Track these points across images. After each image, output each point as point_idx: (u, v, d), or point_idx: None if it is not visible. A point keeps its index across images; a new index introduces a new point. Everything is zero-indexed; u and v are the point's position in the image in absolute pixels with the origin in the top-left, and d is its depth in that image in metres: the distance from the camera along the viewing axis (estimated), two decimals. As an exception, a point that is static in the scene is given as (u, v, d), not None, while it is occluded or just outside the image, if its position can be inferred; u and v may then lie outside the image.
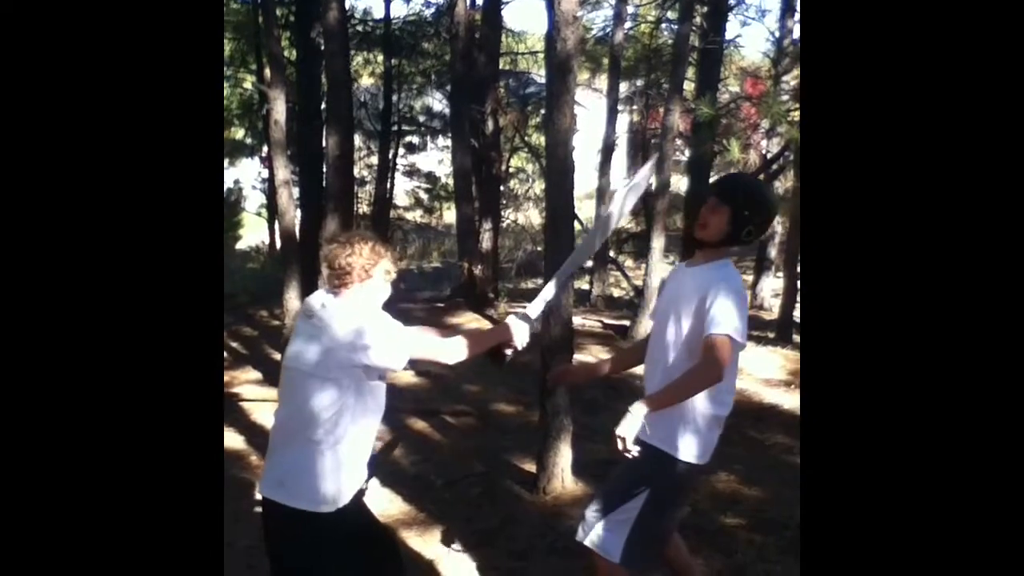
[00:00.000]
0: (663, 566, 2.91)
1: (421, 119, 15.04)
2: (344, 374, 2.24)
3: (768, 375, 6.79)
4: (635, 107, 15.31)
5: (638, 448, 2.41)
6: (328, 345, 2.24)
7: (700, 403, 2.53)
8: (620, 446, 2.42)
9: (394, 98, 14.10)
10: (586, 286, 12.18)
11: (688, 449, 2.54)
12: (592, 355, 7.44)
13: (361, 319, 2.26)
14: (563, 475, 4.28)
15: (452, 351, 2.44)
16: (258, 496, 2.34)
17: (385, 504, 4.17)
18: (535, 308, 2.69)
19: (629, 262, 13.72)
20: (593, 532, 2.61)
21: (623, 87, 14.20)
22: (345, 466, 2.28)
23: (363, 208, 14.65)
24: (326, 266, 2.36)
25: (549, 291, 2.79)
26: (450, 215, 14.97)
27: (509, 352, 2.59)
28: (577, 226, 11.83)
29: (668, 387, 2.50)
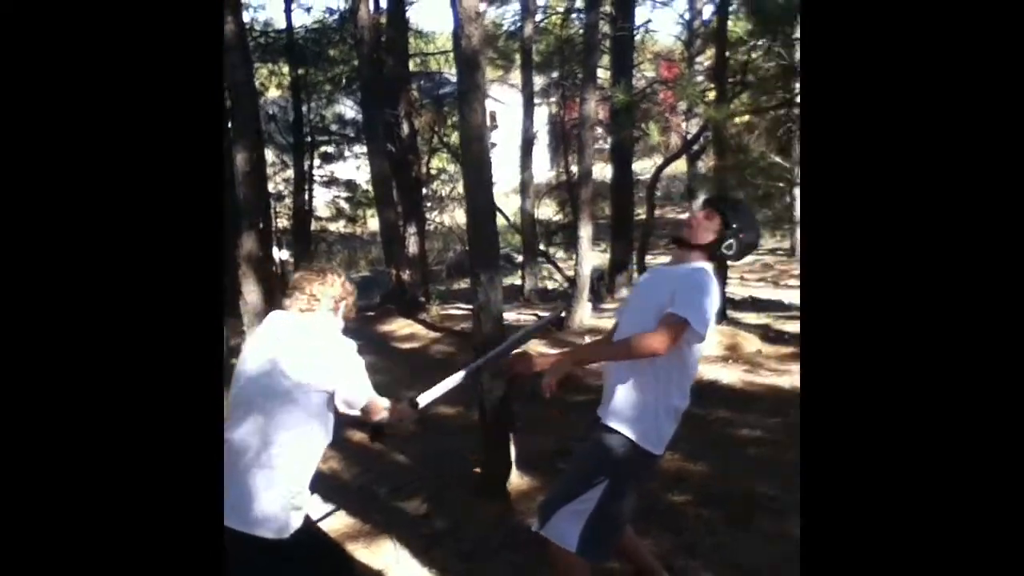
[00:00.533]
0: (617, 556, 2.88)
1: (334, 128, 14.77)
2: (312, 399, 2.26)
3: (705, 352, 6.82)
4: (553, 99, 15.36)
5: (551, 383, 2.51)
6: (301, 369, 2.25)
7: (666, 393, 2.56)
8: (545, 380, 2.53)
9: (304, 108, 13.83)
10: (518, 281, 12.16)
11: (648, 437, 2.55)
12: (530, 349, 7.38)
13: (339, 350, 2.33)
14: (509, 471, 4.22)
15: (382, 411, 2.52)
16: None
17: (330, 519, 4.04)
18: (426, 397, 2.74)
19: (560, 254, 13.75)
20: (551, 522, 2.58)
21: (539, 80, 14.22)
22: (298, 492, 2.27)
23: (283, 222, 14.34)
24: (295, 291, 2.42)
25: (448, 384, 2.83)
26: (375, 223, 14.80)
27: (387, 433, 2.77)
28: (502, 221, 11.83)
29: (603, 344, 2.64)
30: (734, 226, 2.61)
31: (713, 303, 2.54)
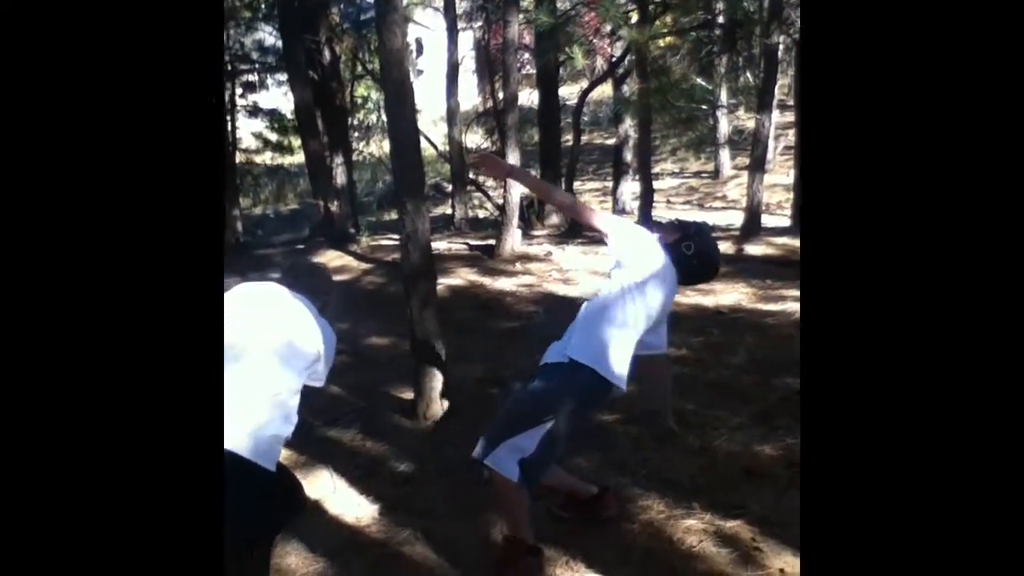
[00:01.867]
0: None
1: (255, 56, 14.23)
2: (306, 360, 2.60)
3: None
4: (478, 24, 15.07)
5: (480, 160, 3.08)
6: (321, 339, 2.63)
7: (627, 330, 2.72)
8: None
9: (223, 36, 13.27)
10: (449, 210, 12.10)
11: (613, 371, 2.69)
12: (461, 278, 7.43)
13: (331, 330, 2.71)
14: (441, 399, 4.28)
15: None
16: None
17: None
18: None
19: (489, 182, 13.68)
20: (494, 453, 2.67)
21: (464, 4, 13.93)
22: (291, 432, 2.56)
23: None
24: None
25: None
26: (302, 154, 14.43)
27: None
28: (430, 150, 11.68)
29: (540, 179, 2.90)
30: (693, 239, 2.86)
31: (646, 244, 2.78)
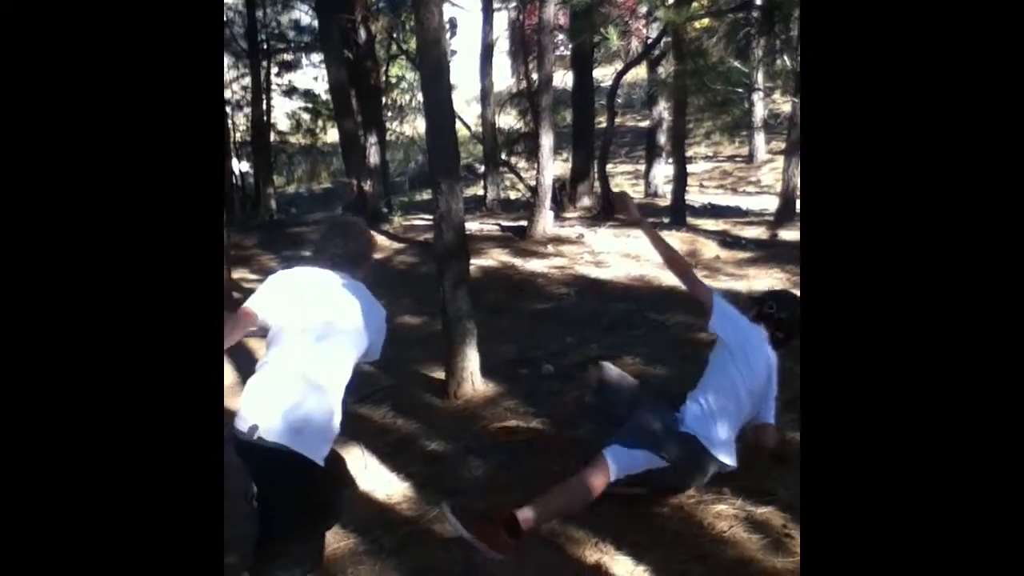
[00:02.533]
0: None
1: (291, 35, 14.25)
2: (357, 345, 2.51)
3: (664, 259, 6.92)
4: (512, 4, 14.98)
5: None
6: (363, 318, 2.52)
7: (735, 406, 2.96)
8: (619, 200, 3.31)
9: (259, 14, 13.29)
10: (481, 191, 12.09)
11: (724, 445, 2.93)
12: (493, 258, 7.44)
13: (381, 309, 2.62)
14: (472, 378, 4.30)
15: None
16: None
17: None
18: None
19: (521, 163, 13.64)
20: (615, 446, 2.84)
21: (499, -16, 13.84)
22: (339, 423, 2.48)
23: (239, 134, 13.93)
24: (334, 249, 2.63)
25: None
26: (336, 133, 14.49)
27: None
28: (463, 131, 11.68)
29: (669, 248, 3.18)
30: (768, 297, 3.22)
31: (743, 323, 3.03)
